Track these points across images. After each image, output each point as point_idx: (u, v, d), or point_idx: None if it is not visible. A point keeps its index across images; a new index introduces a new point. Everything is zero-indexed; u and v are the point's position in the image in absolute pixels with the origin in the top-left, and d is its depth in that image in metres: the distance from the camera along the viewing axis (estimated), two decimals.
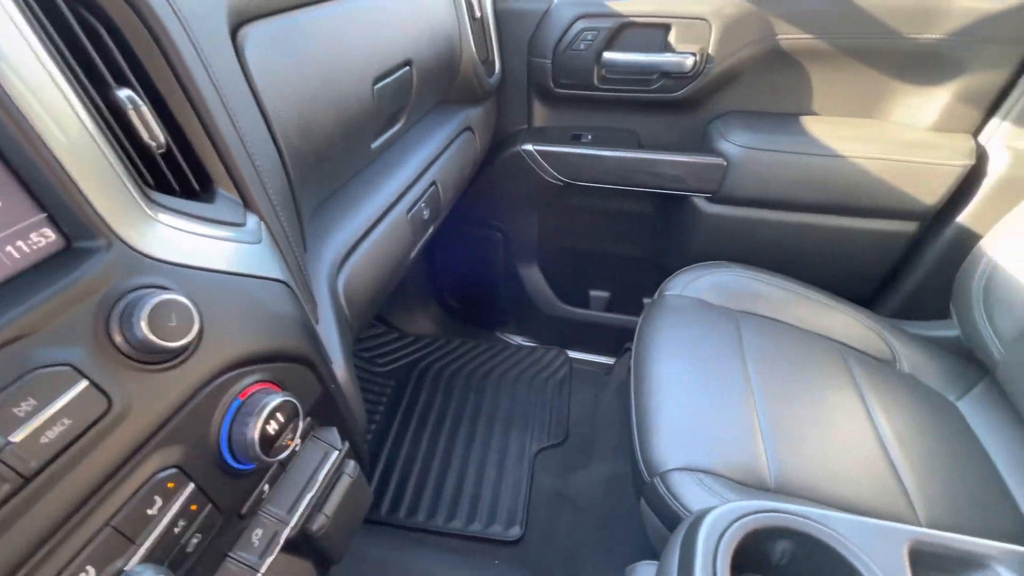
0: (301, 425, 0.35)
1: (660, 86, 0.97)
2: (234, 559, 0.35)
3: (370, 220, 0.61)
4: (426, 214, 0.75)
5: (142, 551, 0.26)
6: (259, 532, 0.36)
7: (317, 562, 0.44)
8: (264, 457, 0.32)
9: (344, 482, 0.43)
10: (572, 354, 1.39)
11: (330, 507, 0.41)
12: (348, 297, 0.56)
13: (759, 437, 0.70)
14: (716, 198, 1.03)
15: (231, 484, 0.33)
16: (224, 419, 0.31)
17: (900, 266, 1.03)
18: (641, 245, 1.20)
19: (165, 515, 0.28)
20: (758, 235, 1.04)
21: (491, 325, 1.46)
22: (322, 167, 0.53)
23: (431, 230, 0.82)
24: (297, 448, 0.40)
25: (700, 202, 1.05)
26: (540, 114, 1.08)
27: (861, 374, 0.83)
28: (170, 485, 0.28)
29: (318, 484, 0.40)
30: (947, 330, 0.94)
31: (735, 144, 0.96)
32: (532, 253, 1.27)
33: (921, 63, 0.88)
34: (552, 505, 1.06)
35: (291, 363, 0.37)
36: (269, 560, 0.36)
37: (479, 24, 0.90)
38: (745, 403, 0.74)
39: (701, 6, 0.89)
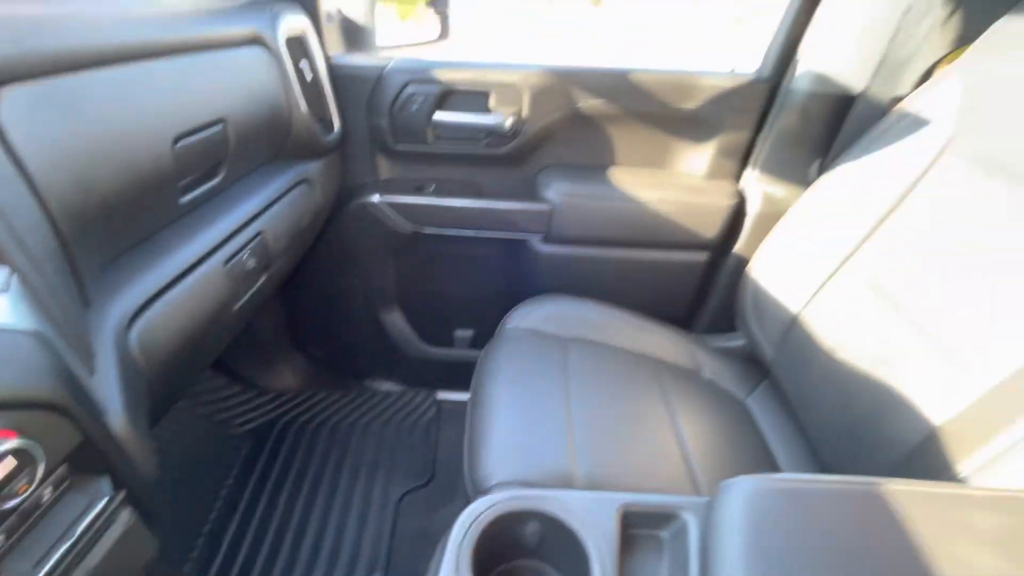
0: (40, 472, 0.35)
1: (487, 143, 1.09)
2: None
3: (174, 272, 0.62)
4: (251, 264, 0.77)
5: None
6: None
7: None
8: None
9: (113, 532, 0.42)
10: (442, 394, 1.42)
11: (94, 559, 0.41)
12: (145, 350, 0.56)
13: (574, 447, 0.78)
14: (548, 239, 1.15)
15: None
16: None
17: (702, 290, 1.22)
18: (493, 284, 1.29)
19: None
20: (587, 270, 1.18)
21: (359, 374, 1.46)
22: (111, 222, 0.54)
23: (263, 279, 0.84)
24: (46, 499, 0.40)
25: (535, 243, 1.17)
26: (385, 167, 1.15)
27: (669, 384, 0.95)
28: None
29: (76, 535, 0.40)
30: (737, 341, 1.12)
31: (556, 192, 1.10)
32: (392, 298, 1.31)
33: (689, 126, 1.09)
34: (416, 545, 1.06)
35: (34, 410, 0.37)
36: None
37: (313, 86, 0.97)
38: (564, 418, 0.82)
39: (512, 76, 1.03)
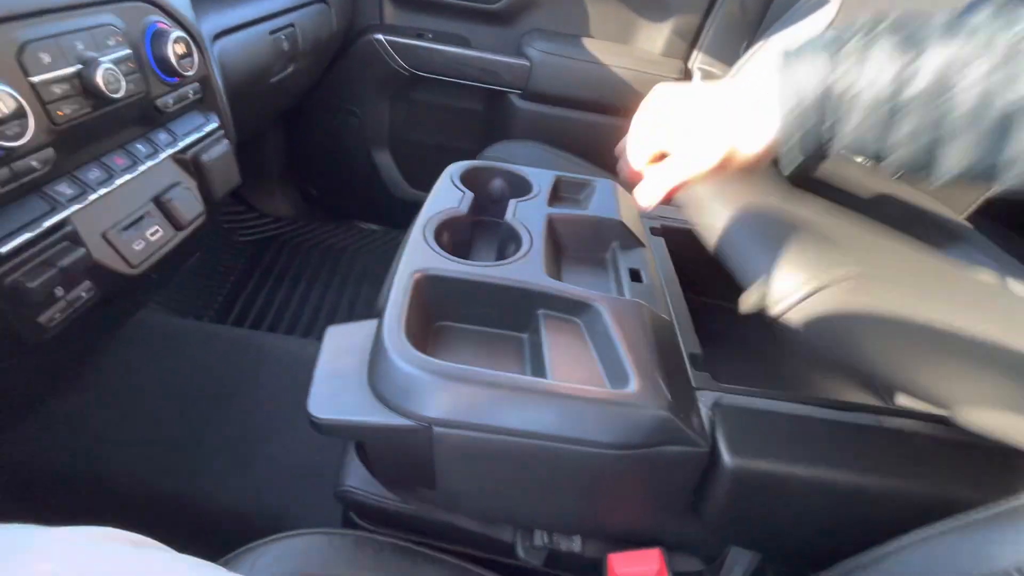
0: (195, 65, 0.56)
1: None
2: None
3: (235, 22, 0.81)
4: (285, 46, 0.95)
5: None
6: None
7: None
8: (178, 69, 0.53)
9: (221, 148, 0.63)
10: None
11: (211, 156, 0.62)
12: (223, 64, 0.75)
13: None
14: (525, 95, 1.36)
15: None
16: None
17: None
18: (475, 135, 1.50)
19: None
20: (557, 128, 1.40)
21: (349, 214, 1.66)
22: None
23: (291, 68, 1.02)
24: (191, 96, 0.60)
25: (514, 99, 1.38)
26: (390, 13, 1.32)
27: None
28: None
29: (205, 132, 0.61)
30: None
31: (536, 50, 1.31)
32: (384, 141, 1.50)
33: (648, 6, 1.30)
34: None
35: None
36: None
37: None
38: None
39: None
